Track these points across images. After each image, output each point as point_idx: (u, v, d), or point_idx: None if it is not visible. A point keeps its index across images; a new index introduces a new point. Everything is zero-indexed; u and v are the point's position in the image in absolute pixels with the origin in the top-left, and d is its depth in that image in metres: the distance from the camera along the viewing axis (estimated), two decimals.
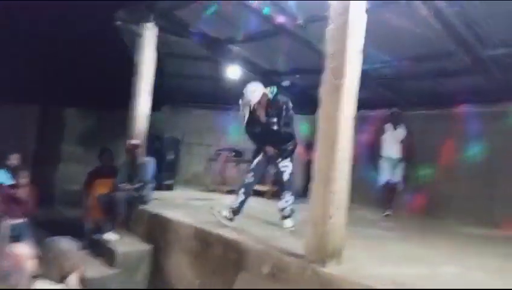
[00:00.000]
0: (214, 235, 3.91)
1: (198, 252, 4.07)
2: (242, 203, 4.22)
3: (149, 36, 6.08)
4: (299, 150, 4.81)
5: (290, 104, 4.22)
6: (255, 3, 5.33)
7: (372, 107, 6.81)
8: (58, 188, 9.36)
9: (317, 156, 2.98)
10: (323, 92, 3.00)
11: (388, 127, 6.24)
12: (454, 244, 4.38)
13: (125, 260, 4.44)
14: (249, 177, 4.31)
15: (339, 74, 2.89)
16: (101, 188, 5.60)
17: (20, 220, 5.05)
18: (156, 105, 6.86)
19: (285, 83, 7.64)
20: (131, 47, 6.71)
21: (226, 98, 8.48)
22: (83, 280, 2.68)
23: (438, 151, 6.40)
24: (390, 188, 6.17)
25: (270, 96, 4.22)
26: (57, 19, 7.00)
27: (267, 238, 3.73)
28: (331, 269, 2.82)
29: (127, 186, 5.14)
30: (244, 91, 4.19)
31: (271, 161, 4.31)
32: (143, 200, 5.22)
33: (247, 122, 4.25)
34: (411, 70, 6.01)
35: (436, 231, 5.21)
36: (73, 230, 5.93)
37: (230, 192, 7.27)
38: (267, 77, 7.29)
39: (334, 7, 3.00)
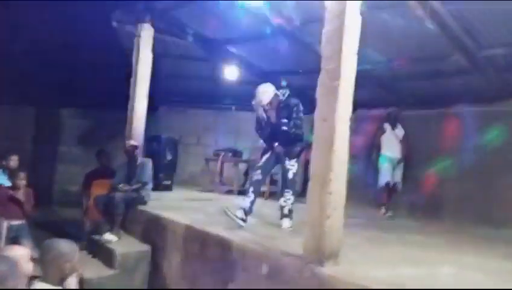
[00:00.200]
0: (212, 236, 3.92)
1: (196, 253, 4.08)
2: (252, 203, 4.25)
3: (146, 37, 6.09)
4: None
5: (301, 107, 4.29)
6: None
7: (371, 106, 6.83)
8: (57, 189, 9.37)
9: (314, 157, 3.00)
10: (320, 94, 3.00)
11: (387, 126, 6.25)
12: (452, 245, 4.38)
13: (124, 261, 4.45)
14: (257, 174, 4.34)
15: (334, 75, 2.90)
16: (99, 189, 5.61)
17: (18, 222, 5.04)
18: (153, 105, 6.87)
19: (283, 83, 7.64)
20: (128, 47, 6.72)
21: (224, 98, 8.50)
22: (81, 281, 2.69)
23: (435, 152, 6.41)
24: (390, 189, 6.16)
25: (282, 97, 4.29)
26: (53, 19, 6.98)
27: (265, 239, 3.74)
28: (328, 270, 2.83)
29: (126, 187, 5.14)
30: (255, 92, 4.26)
31: (279, 159, 4.35)
32: (141, 201, 5.22)
33: (258, 122, 4.33)
34: (407, 71, 6.03)
35: (434, 232, 5.21)
36: (72, 231, 6.01)
37: (228, 192, 7.30)
38: (264, 78, 7.28)
39: (329, 9, 3.01)
